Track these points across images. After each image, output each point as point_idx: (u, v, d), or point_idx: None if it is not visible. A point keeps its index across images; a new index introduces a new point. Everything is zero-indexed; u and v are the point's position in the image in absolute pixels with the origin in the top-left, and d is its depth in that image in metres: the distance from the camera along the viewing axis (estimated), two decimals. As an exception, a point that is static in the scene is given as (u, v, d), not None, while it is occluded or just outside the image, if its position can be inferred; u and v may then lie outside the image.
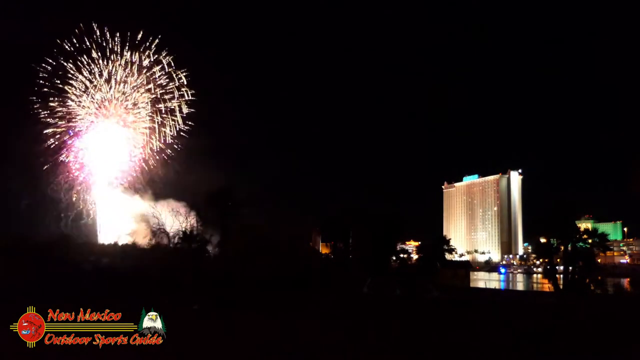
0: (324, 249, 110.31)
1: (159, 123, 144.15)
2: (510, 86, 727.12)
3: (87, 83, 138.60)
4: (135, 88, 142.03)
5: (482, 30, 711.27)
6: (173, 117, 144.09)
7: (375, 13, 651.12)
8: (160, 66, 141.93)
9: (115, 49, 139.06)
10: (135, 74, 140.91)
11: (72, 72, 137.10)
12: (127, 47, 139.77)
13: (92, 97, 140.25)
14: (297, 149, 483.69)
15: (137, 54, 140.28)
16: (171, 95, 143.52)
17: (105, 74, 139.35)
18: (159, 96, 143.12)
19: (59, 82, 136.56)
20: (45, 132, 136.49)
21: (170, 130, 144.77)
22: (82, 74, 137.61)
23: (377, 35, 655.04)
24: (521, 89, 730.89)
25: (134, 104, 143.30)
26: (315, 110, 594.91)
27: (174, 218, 74.62)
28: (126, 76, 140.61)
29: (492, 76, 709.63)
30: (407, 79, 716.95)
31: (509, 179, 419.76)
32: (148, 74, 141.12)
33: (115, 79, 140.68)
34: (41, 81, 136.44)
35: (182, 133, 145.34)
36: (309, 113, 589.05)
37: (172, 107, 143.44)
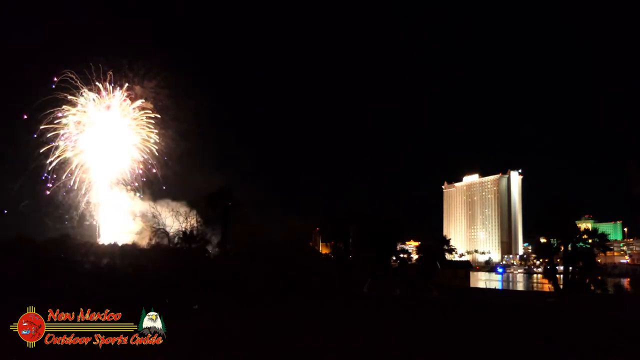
0: (324, 249, 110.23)
1: (161, 125, 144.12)
2: (510, 86, 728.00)
3: (90, 85, 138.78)
4: (138, 92, 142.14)
5: (483, 29, 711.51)
6: (175, 119, 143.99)
7: (375, 13, 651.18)
8: (163, 73, 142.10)
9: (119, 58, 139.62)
10: (139, 79, 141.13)
11: (74, 77, 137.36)
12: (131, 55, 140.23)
13: (94, 99, 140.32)
14: (297, 149, 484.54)
15: (140, 61, 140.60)
16: (173, 98, 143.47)
17: (108, 76, 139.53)
18: (161, 98, 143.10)
19: (62, 84, 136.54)
20: (46, 132, 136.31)
21: (172, 131, 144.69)
22: (86, 78, 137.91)
23: (376, 35, 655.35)
24: (521, 89, 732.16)
25: (137, 107, 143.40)
26: (315, 110, 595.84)
27: (174, 218, 74.76)
28: (129, 81, 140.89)
29: (493, 76, 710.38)
30: (408, 79, 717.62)
31: (509, 179, 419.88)
32: (152, 80, 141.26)
33: (119, 82, 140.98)
34: (44, 83, 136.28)
35: (183, 134, 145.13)
36: (308, 113, 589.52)
37: (174, 111, 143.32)
